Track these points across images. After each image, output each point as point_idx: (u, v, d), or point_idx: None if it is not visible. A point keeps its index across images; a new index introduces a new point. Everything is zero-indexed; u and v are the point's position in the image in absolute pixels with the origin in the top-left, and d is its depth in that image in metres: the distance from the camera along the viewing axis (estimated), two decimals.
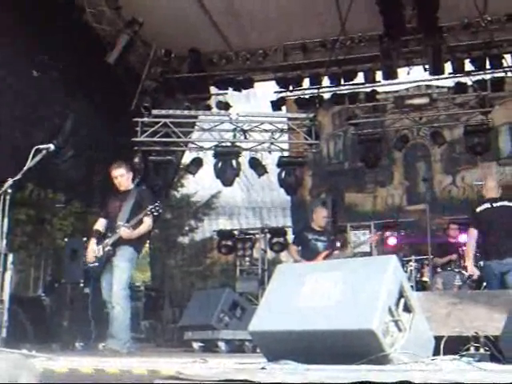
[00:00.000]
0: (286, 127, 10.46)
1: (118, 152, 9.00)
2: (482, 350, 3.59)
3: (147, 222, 5.82)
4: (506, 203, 6.41)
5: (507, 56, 10.07)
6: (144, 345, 9.21)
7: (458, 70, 10.20)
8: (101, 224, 6.06)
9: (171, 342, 10.00)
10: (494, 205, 6.43)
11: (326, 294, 3.25)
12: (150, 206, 5.66)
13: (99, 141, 9.32)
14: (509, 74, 10.33)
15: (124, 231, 5.68)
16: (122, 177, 5.99)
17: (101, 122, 9.29)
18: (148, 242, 12.11)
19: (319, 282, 3.35)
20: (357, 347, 2.99)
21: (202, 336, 7.87)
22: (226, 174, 10.07)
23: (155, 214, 5.70)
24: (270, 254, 12.16)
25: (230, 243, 12.13)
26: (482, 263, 7.02)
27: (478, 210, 6.54)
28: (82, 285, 7.77)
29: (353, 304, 3.13)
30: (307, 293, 3.32)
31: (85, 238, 6.77)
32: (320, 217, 7.68)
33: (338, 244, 10.52)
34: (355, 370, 2.45)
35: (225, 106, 11.08)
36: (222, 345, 7.59)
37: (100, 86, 9.13)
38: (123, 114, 9.93)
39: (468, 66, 10.22)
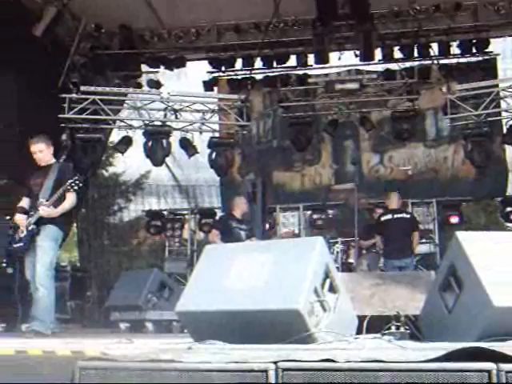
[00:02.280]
0: (217, 108, 10.41)
1: (44, 128, 8.68)
2: (402, 329, 3.72)
3: (70, 197, 5.61)
4: (403, 215, 8.27)
5: (434, 45, 10.37)
6: (70, 326, 9.03)
7: (388, 56, 10.45)
8: (25, 202, 5.81)
9: (98, 322, 9.86)
10: (395, 216, 8.12)
11: (253, 274, 3.27)
12: (70, 181, 5.48)
13: (26, 116, 8.97)
14: (435, 62, 10.66)
15: (43, 210, 5.47)
16: (42, 152, 5.74)
17: (28, 97, 8.94)
18: (75, 221, 11.83)
19: (247, 263, 3.37)
20: (283, 327, 3.03)
21: (129, 316, 7.80)
22: (156, 153, 9.94)
23: (75, 188, 5.51)
24: (199, 235, 12.13)
25: (159, 223, 12.03)
26: (383, 261, 8.40)
27: (382, 219, 8.19)
28: (4, 265, 7.52)
29: (280, 284, 3.17)
30: (235, 273, 3.33)
31: (8, 217, 6.53)
32: (242, 206, 7.86)
33: (268, 226, 10.66)
34: (280, 348, 2.49)
35: (156, 84, 10.91)
36: (149, 325, 7.55)
37: (27, 60, 8.77)
38: (51, 89, 9.60)
39: (397, 54, 10.47)
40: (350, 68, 11.13)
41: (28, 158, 5.86)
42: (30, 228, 5.55)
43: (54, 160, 5.90)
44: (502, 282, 3.12)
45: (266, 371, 1.89)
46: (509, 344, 2.69)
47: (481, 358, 1.85)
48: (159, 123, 10.11)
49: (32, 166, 5.89)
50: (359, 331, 3.59)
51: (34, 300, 5.45)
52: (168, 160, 10.95)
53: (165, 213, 12.39)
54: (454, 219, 10.54)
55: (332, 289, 3.36)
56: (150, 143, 9.91)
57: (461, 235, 3.43)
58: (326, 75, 11.17)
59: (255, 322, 3.11)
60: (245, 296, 3.20)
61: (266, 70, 11.10)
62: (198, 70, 11.51)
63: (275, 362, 1.91)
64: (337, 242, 9.02)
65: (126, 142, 10.27)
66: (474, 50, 10.33)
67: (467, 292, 3.24)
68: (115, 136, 11.34)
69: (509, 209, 10.81)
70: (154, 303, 7.79)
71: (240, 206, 7.88)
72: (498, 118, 10.10)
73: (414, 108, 10.64)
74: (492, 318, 3.06)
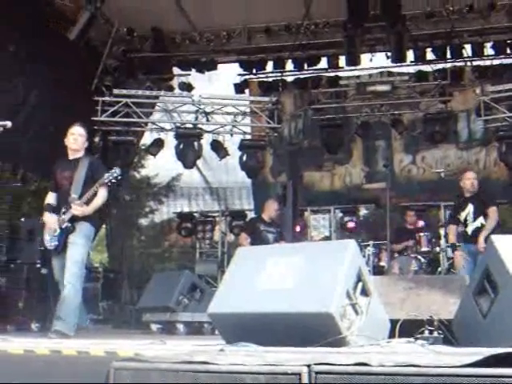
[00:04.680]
0: (248, 110, 10.44)
1: None
2: (435, 334, 3.68)
3: (102, 193, 5.37)
4: None
5: (467, 46, 10.24)
6: (102, 326, 9.14)
7: (420, 58, 10.35)
8: (52, 198, 5.57)
9: (129, 323, 9.96)
10: None
11: (285, 277, 3.27)
12: (107, 174, 5.28)
13: (60, 118, 9.12)
14: (468, 63, 10.52)
15: (76, 209, 5.25)
16: (81, 136, 5.51)
17: (62, 100, 9.10)
18: (105, 221, 11.97)
19: (279, 265, 3.37)
20: (315, 330, 3.03)
21: (160, 318, 7.85)
22: (188, 156, 10.00)
23: (113, 181, 5.29)
24: (230, 237, 12.17)
25: (189, 225, 12.09)
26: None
27: None
28: (38, 265, 7.64)
29: (311, 287, 3.16)
30: (267, 276, 3.34)
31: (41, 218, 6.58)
32: (271, 209, 7.91)
33: (298, 228, 10.64)
34: (313, 351, 2.48)
35: (187, 87, 10.99)
36: (180, 327, 7.59)
37: (61, 63, 8.93)
38: (84, 92, 9.75)
39: (429, 55, 10.36)
40: (381, 70, 11.06)
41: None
42: (63, 226, 5.33)
43: (83, 153, 5.62)
44: None
45: (299, 374, 1.89)
46: None
47: None
48: (190, 126, 10.18)
49: (60, 158, 5.66)
50: (392, 335, 3.57)
51: (61, 299, 5.18)
52: (199, 162, 11.02)
53: (196, 215, 12.46)
54: None
55: (364, 292, 3.34)
56: (181, 146, 9.98)
57: (495, 238, 3.38)
58: (358, 77, 11.13)
59: (287, 325, 3.10)
60: (276, 298, 3.20)
61: (297, 72, 11.11)
62: (229, 73, 11.59)
63: (308, 365, 1.90)
64: (368, 245, 8.95)
65: (158, 145, 10.37)
66: (509, 51, 10.17)
67: (502, 297, 3.19)
68: (147, 138, 11.46)
69: None
70: (186, 305, 7.82)
71: (269, 209, 7.91)
72: None
73: (447, 110, 10.52)
74: None
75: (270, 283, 3.28)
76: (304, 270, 3.28)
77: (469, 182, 6.86)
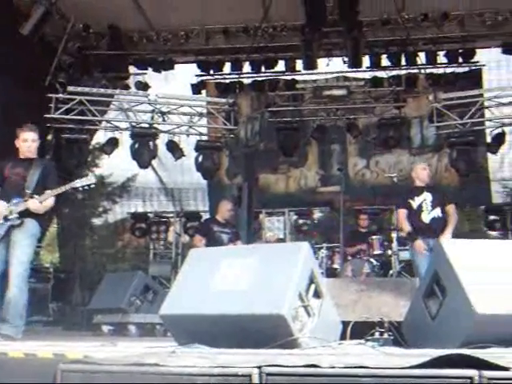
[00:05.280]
0: (204, 111, 10.40)
1: None
2: (385, 335, 3.74)
3: (53, 197, 5.21)
4: None
5: (421, 54, 10.45)
6: (51, 328, 8.95)
7: (375, 64, 10.51)
8: None
9: (80, 325, 9.78)
10: None
11: (238, 278, 3.27)
12: (81, 180, 5.18)
13: (11, 115, 8.90)
14: (422, 71, 10.75)
15: (34, 203, 5.05)
16: (34, 142, 5.34)
17: (14, 96, 8.87)
18: (56, 220, 11.74)
19: (232, 267, 3.37)
20: (267, 332, 3.03)
21: (112, 319, 7.75)
22: (143, 155, 9.90)
23: (86, 188, 5.22)
24: (184, 238, 12.09)
25: (144, 226, 11.97)
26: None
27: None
28: None
29: (264, 289, 3.17)
30: (220, 277, 3.33)
31: None
32: (224, 210, 7.86)
33: (253, 230, 10.65)
34: (264, 353, 2.49)
35: (143, 86, 10.88)
36: (132, 328, 7.51)
37: (14, 58, 8.71)
38: (37, 88, 9.53)
39: (385, 61, 10.54)
40: (337, 74, 11.19)
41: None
42: (10, 217, 5.06)
43: (36, 155, 5.48)
44: (484, 290, 3.15)
45: (249, 376, 1.89)
46: (491, 351, 2.72)
47: (463, 365, 1.86)
48: (146, 125, 10.07)
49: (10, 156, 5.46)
50: (343, 337, 3.61)
51: (6, 301, 4.92)
52: (154, 162, 10.92)
53: (150, 215, 12.34)
54: None
55: (317, 294, 3.37)
56: (136, 145, 9.86)
57: (444, 243, 3.46)
58: (314, 81, 11.22)
59: (239, 327, 3.10)
60: (229, 300, 3.20)
61: (254, 75, 11.13)
62: (186, 73, 11.50)
63: (259, 367, 1.90)
64: (322, 248, 9.02)
65: (113, 144, 10.22)
66: (461, 60, 10.45)
67: (451, 299, 3.27)
68: (102, 137, 11.29)
69: (492, 217, 10.90)
70: (138, 306, 7.74)
71: (222, 210, 7.87)
72: (483, 127, 10.20)
73: (401, 116, 10.73)
74: (475, 326, 3.09)
75: (223, 285, 3.28)
76: (258, 272, 3.29)
77: (425, 171, 6.67)
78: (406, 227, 6.47)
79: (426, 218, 6.33)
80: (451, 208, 6.38)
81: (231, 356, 2.29)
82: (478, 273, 3.24)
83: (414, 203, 6.45)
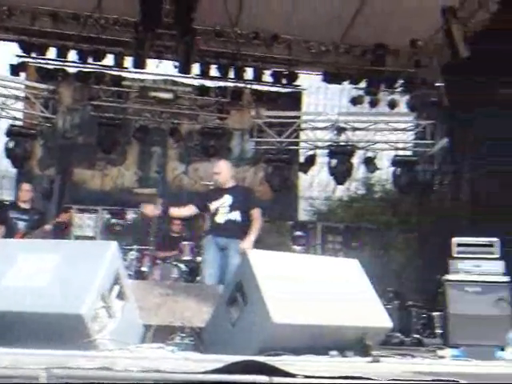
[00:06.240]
0: (22, 95, 9.76)
1: None
2: (187, 340, 3.76)
3: None
4: None
5: (249, 70, 10.80)
6: None
7: (205, 73, 10.64)
8: None
9: None
10: None
11: (36, 274, 3.08)
12: None
13: None
14: (248, 86, 11.11)
15: None
16: None
17: None
18: None
19: (32, 262, 3.16)
20: (64, 332, 2.90)
21: None
22: None
23: None
24: None
25: None
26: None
27: None
28: None
29: (65, 287, 3.02)
30: (16, 272, 3.11)
31: None
32: (23, 191, 7.36)
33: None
34: (56, 354, 2.36)
35: None
36: None
37: None
38: None
39: (214, 72, 10.72)
40: (166, 77, 11.16)
41: None
42: None
43: None
44: (283, 300, 3.30)
45: (36, 378, 1.77)
46: (284, 359, 2.85)
47: (257, 372, 1.92)
48: None
49: None
50: (145, 340, 3.56)
51: None
52: None
53: None
54: None
55: (120, 295, 3.29)
56: None
57: (251, 253, 3.57)
58: (142, 81, 11.08)
59: (34, 325, 2.92)
60: (25, 297, 3.00)
61: (80, 65, 10.67)
62: (6, 52, 10.69)
63: (48, 369, 1.79)
64: (132, 249, 8.87)
65: None
66: (284, 81, 10.96)
67: (251, 307, 3.38)
68: None
69: (297, 233, 11.55)
70: None
71: (21, 193, 7.35)
72: (297, 147, 10.83)
73: (223, 126, 11.00)
74: (271, 334, 3.22)
75: (16, 280, 3.06)
76: (59, 269, 3.13)
77: (216, 173, 6.44)
78: None
79: (220, 219, 6.10)
80: (256, 212, 6.22)
81: (19, 357, 2.14)
82: (279, 283, 3.39)
83: (212, 207, 6.24)
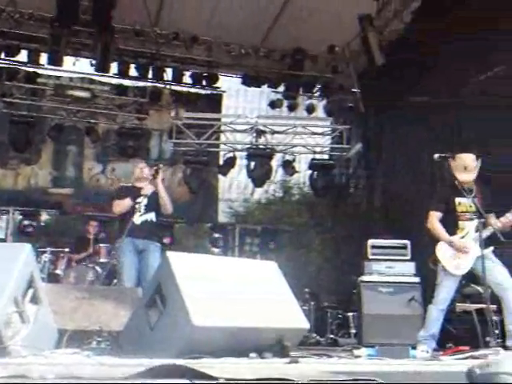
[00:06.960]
0: None
1: None
2: (103, 345, 3.69)
3: None
4: None
5: (169, 70, 10.72)
6: None
7: (123, 72, 10.46)
8: None
9: None
10: None
11: None
12: None
13: None
14: (167, 87, 11.03)
15: None
16: None
17: None
18: None
19: None
20: None
21: None
22: None
23: None
24: None
25: None
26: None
27: None
28: None
29: None
30: None
31: None
32: None
33: None
34: None
35: None
36: None
37: None
38: None
39: (132, 71, 10.56)
40: (83, 76, 10.89)
41: None
42: None
43: None
44: (203, 302, 3.30)
45: None
46: (204, 361, 2.85)
47: (177, 375, 1.92)
48: None
49: None
50: (60, 345, 3.47)
51: None
52: None
53: None
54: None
55: (34, 300, 3.19)
56: None
57: (170, 255, 3.56)
58: (58, 78, 10.76)
59: None
60: None
61: None
62: None
63: None
64: (46, 252, 8.60)
65: None
66: (204, 83, 10.96)
67: (170, 310, 3.36)
68: None
69: (216, 235, 11.57)
70: None
71: None
72: (217, 149, 10.84)
73: (141, 127, 10.87)
74: (191, 336, 3.22)
75: None
76: None
77: (139, 170, 6.47)
78: None
79: (137, 220, 6.07)
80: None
81: None
82: (199, 286, 3.39)
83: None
